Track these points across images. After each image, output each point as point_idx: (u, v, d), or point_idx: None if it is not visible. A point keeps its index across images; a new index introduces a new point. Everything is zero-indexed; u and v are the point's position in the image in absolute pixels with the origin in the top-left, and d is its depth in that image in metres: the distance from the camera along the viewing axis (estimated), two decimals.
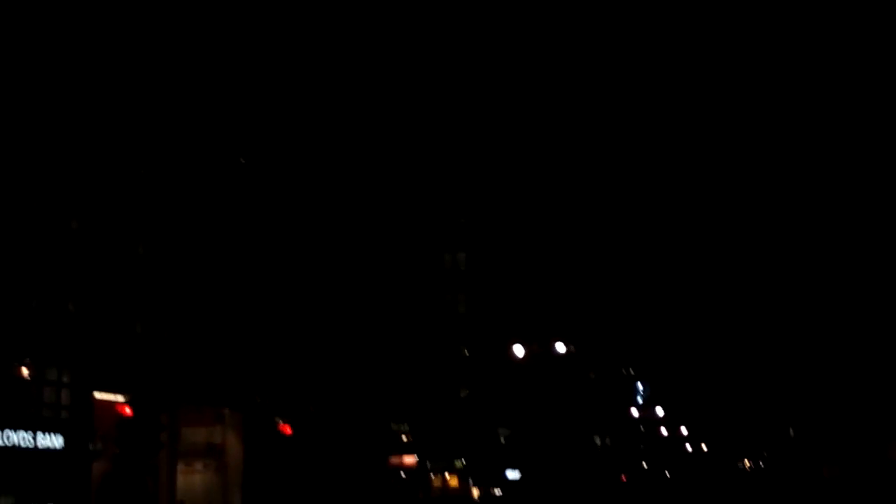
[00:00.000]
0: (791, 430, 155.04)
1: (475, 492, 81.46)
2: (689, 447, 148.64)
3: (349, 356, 64.69)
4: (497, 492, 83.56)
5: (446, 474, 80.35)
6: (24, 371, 43.69)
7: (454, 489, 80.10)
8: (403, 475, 72.69)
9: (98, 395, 46.53)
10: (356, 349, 65.23)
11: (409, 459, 73.53)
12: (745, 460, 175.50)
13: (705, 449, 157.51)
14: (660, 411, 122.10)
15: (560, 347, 79.33)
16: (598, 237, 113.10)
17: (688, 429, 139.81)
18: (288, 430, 56.52)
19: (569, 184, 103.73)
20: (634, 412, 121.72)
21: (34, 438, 42.78)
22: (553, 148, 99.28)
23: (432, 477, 78.51)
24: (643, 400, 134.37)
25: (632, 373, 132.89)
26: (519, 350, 66.99)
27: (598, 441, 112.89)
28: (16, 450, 41.91)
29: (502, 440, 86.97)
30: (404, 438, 73.77)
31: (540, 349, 76.42)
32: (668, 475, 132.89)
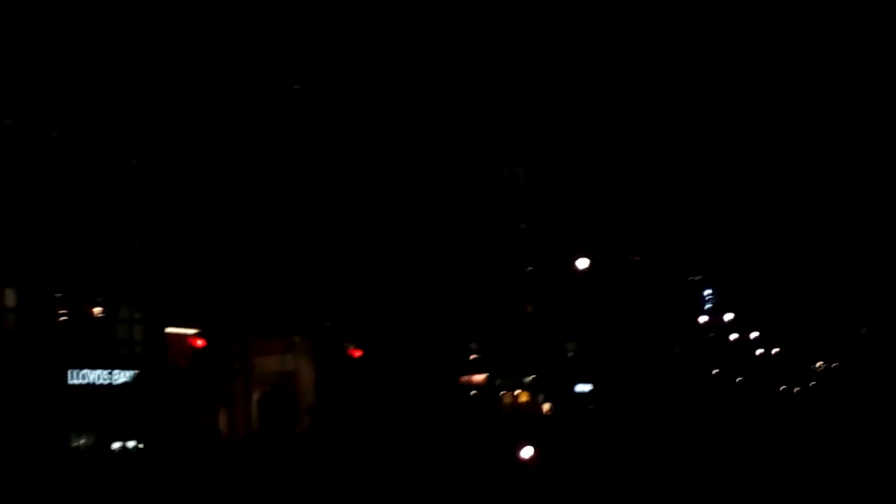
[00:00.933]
0: (863, 329, 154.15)
1: (545, 407, 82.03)
2: (759, 352, 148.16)
3: (414, 278, 65.12)
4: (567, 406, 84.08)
5: (516, 391, 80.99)
6: (97, 310, 44.70)
7: (525, 404, 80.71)
8: (474, 393, 73.38)
9: (170, 329, 47.43)
10: (420, 270, 65.63)
11: (479, 377, 74.14)
12: (820, 362, 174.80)
13: (776, 352, 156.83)
14: (729, 316, 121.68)
15: (624, 257, 79.35)
16: (654, 145, 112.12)
17: (759, 333, 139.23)
18: (358, 353, 57.22)
19: (625, 92, 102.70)
20: (702, 319, 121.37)
21: (110, 376, 43.81)
22: (605, 59, 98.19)
23: (502, 394, 79.18)
24: (712, 306, 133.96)
25: (699, 279, 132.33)
26: (582, 262, 67.03)
27: (667, 350, 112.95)
28: (93, 387, 42.97)
29: (570, 354, 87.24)
30: (473, 357, 74.32)
31: (603, 260, 76.43)
32: (739, 381, 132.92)
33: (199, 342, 47.28)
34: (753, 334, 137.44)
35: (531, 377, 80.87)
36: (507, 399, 79.58)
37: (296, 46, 57.38)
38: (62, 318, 42.98)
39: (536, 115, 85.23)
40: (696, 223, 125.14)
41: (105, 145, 45.40)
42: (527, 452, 37.55)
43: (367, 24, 63.27)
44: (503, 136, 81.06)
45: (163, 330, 47.10)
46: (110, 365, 43.81)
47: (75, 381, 42.15)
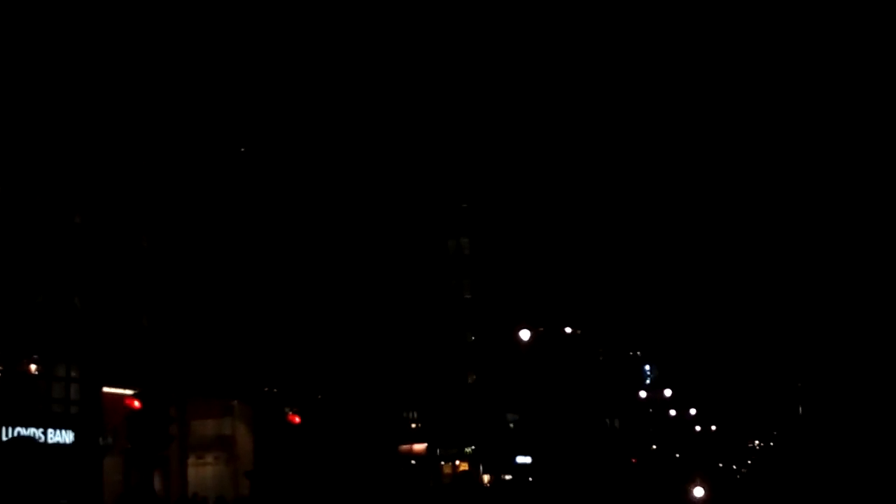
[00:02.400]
0: (800, 408, 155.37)
1: (485, 478, 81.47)
2: (698, 428, 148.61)
3: (356, 344, 64.68)
4: (507, 477, 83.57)
5: (456, 461, 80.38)
6: (33, 367, 43.83)
7: (465, 475, 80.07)
8: (413, 463, 72.70)
9: (107, 389, 46.59)
10: (363, 337, 65.20)
11: (419, 447, 73.54)
12: (756, 441, 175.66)
13: (714, 429, 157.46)
14: (668, 393, 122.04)
15: (566, 330, 79.46)
16: (602, 218, 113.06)
17: (697, 410, 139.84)
18: (297, 419, 56.54)
19: (570, 164, 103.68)
20: (642, 394, 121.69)
21: (44, 435, 42.85)
22: (554, 129, 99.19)
23: (443, 464, 78.53)
24: (651, 381, 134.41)
25: (639, 355, 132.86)
26: (525, 334, 67.06)
27: (607, 423, 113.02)
28: None
29: (511, 425, 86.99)
30: (413, 426, 73.79)
31: (546, 332, 76.43)
32: (677, 456, 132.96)
33: (136, 403, 46.48)
34: (692, 411, 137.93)
35: (471, 448, 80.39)
36: (448, 469, 78.98)
37: (243, 110, 57.45)
38: None
39: (483, 186, 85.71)
40: (637, 299, 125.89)
41: (47, 202, 44.89)
42: None
43: (316, 90, 63.56)
44: (449, 206, 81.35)
45: (99, 390, 46.23)
46: (45, 424, 42.87)
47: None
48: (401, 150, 73.44)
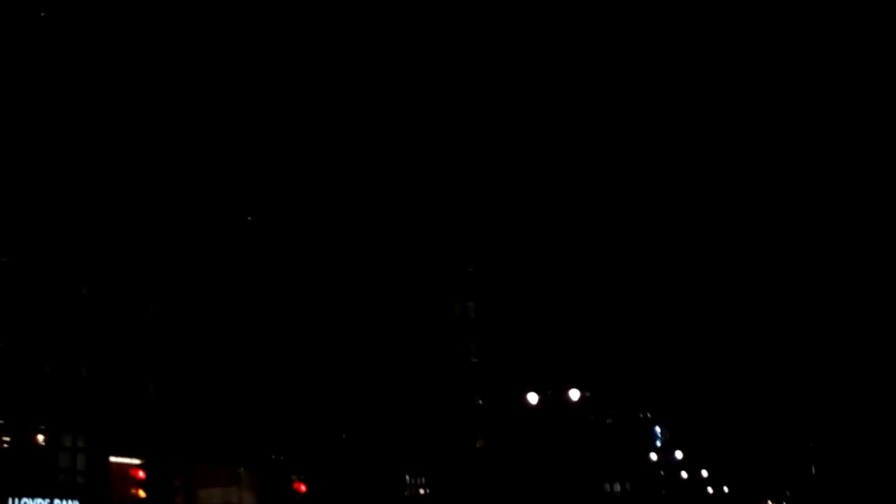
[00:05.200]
0: (813, 468, 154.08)
1: None
2: (710, 490, 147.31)
3: (363, 410, 64.63)
4: None
5: None
6: (40, 437, 43.96)
7: None
8: None
9: (113, 458, 46.64)
10: (370, 403, 65.17)
11: None
12: (769, 501, 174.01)
13: (727, 491, 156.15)
14: (679, 455, 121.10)
15: (574, 394, 79.06)
16: (611, 279, 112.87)
17: (708, 471, 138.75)
18: (303, 488, 56.42)
19: (579, 226, 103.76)
20: (653, 457, 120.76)
21: None
22: (561, 191, 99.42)
23: None
24: (662, 444, 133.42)
25: (649, 416, 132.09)
26: (533, 398, 66.78)
27: (616, 488, 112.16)
28: None
29: (518, 490, 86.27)
30: (421, 492, 73.42)
31: (554, 396, 76.09)
32: None
33: (142, 473, 46.51)
34: (703, 473, 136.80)
35: None
36: None
37: (247, 176, 57.89)
38: (4, 445, 42.25)
39: (488, 249, 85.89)
40: (646, 360, 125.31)
41: (55, 272, 45.25)
42: None
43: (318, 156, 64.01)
44: (455, 270, 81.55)
45: (106, 459, 46.30)
46: (51, 494, 42.92)
47: None
48: (406, 214, 73.79)
